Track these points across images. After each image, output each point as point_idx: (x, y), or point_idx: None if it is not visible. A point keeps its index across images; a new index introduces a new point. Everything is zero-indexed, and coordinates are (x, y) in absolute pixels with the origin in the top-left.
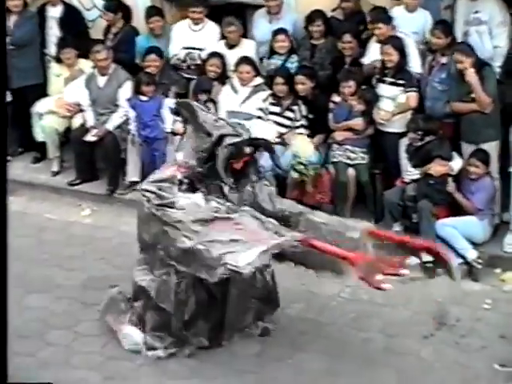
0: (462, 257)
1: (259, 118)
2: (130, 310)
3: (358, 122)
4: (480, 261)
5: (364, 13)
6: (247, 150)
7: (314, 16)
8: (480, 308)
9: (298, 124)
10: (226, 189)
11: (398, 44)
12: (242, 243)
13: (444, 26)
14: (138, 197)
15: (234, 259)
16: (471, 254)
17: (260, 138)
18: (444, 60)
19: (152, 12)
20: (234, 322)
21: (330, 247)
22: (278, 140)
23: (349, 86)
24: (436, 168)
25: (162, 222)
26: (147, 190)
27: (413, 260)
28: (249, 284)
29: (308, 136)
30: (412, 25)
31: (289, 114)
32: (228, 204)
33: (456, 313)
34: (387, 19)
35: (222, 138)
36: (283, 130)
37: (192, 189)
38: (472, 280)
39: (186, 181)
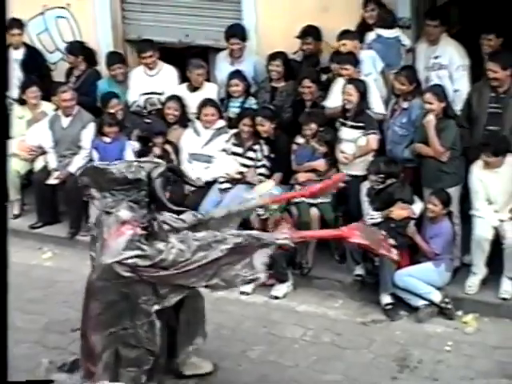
0: (428, 300)
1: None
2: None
3: (320, 164)
4: (448, 300)
5: (319, 55)
6: (172, 177)
7: (275, 56)
8: (442, 350)
9: (259, 164)
10: (171, 222)
11: (360, 86)
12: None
13: (409, 72)
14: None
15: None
16: (436, 296)
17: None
18: (405, 105)
19: (113, 59)
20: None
21: (319, 232)
22: (239, 177)
23: (310, 129)
24: (397, 212)
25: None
26: (125, 259)
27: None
28: (193, 309)
29: (266, 176)
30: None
31: (250, 154)
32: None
33: (418, 355)
34: (355, 62)
35: (149, 175)
36: (245, 169)
37: (154, 237)
38: (447, 319)
39: (144, 233)
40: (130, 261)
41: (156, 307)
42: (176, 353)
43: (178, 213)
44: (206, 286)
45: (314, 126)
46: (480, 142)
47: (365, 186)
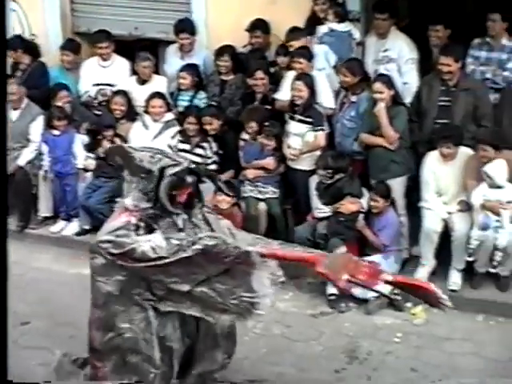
0: (377, 292)
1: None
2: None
3: (269, 162)
4: (397, 292)
5: (268, 48)
6: (189, 179)
7: (222, 51)
8: (391, 342)
9: (209, 161)
10: (179, 222)
11: (309, 81)
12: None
13: (351, 64)
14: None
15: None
16: (385, 287)
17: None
18: (354, 98)
19: (65, 46)
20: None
21: (290, 253)
22: None
23: (251, 127)
24: (347, 206)
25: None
26: (103, 242)
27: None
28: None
29: (219, 172)
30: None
31: (199, 150)
32: (189, 238)
33: (367, 347)
34: (309, 56)
35: (162, 171)
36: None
37: (149, 231)
38: (396, 310)
39: (141, 224)
40: (104, 245)
41: (151, 304)
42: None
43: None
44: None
45: (254, 124)
46: (431, 136)
47: (314, 180)
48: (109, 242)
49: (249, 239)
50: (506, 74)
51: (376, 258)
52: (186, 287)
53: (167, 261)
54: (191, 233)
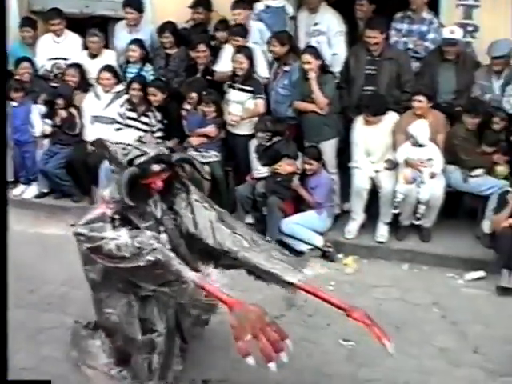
0: (311, 244)
1: (117, 123)
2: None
3: (211, 130)
4: (329, 245)
5: (208, 24)
6: (155, 167)
7: (164, 27)
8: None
9: (154, 129)
10: (158, 214)
11: (248, 53)
12: None
13: (280, 35)
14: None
15: None
16: (318, 240)
17: (174, 152)
18: (286, 68)
19: (25, 23)
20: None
21: (214, 290)
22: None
23: (191, 98)
24: (284, 167)
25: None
26: (78, 234)
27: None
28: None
29: (164, 139)
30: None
31: (144, 119)
32: (150, 242)
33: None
34: (244, 33)
35: (131, 162)
36: (142, 133)
37: (125, 223)
38: (329, 261)
39: (117, 216)
40: (79, 237)
41: (132, 289)
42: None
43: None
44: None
45: (194, 95)
46: (359, 102)
47: (253, 144)
48: (82, 235)
49: (225, 238)
50: (426, 44)
51: (310, 213)
52: (150, 286)
53: (124, 265)
54: (169, 223)
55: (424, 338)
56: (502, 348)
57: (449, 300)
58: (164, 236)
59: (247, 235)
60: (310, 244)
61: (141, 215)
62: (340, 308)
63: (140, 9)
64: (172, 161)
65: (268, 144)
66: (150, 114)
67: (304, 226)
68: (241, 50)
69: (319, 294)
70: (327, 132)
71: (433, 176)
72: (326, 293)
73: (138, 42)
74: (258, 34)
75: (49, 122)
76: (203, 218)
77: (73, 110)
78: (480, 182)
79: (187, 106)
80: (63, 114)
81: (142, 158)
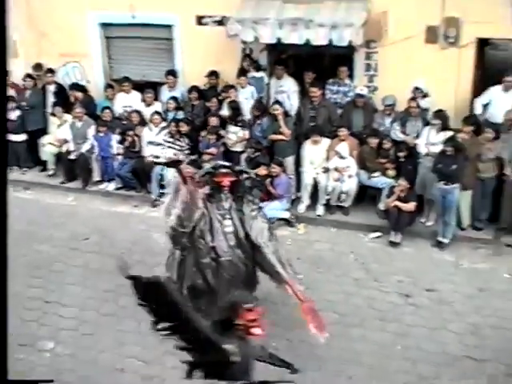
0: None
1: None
2: None
3: (212, 150)
4: (292, 217)
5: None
6: (222, 169)
7: (192, 89)
8: (288, 244)
9: (184, 148)
10: (227, 206)
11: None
12: None
13: (258, 105)
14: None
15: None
16: (285, 214)
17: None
18: (259, 121)
19: (107, 86)
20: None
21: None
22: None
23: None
24: (261, 171)
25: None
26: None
27: None
28: (235, 271)
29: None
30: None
31: (178, 142)
32: (226, 222)
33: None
34: (235, 91)
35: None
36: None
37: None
38: (290, 227)
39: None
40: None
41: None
42: None
43: None
44: None
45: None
46: (306, 132)
47: (243, 157)
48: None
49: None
50: (347, 99)
51: (276, 202)
52: None
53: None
54: (235, 215)
55: (345, 272)
56: (391, 277)
57: (360, 250)
58: (229, 222)
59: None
60: (280, 218)
61: (217, 207)
62: (302, 300)
63: (176, 76)
64: (235, 169)
65: (252, 157)
66: (181, 139)
67: (274, 208)
68: (233, 102)
69: (296, 292)
70: (289, 152)
71: (350, 176)
72: (298, 292)
73: (174, 98)
74: (250, 93)
75: (121, 146)
76: (259, 225)
77: (135, 138)
78: (378, 180)
79: (202, 134)
80: (130, 140)
81: (215, 164)
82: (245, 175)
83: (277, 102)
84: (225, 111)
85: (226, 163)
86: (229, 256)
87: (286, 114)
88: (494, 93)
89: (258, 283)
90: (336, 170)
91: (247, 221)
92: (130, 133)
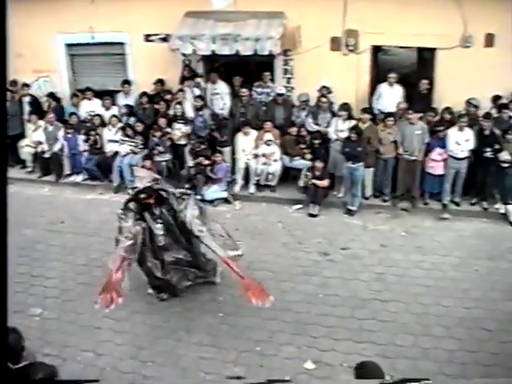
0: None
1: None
2: None
3: (160, 148)
4: (228, 195)
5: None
6: (141, 196)
7: (142, 94)
8: (226, 218)
9: (139, 143)
10: (157, 212)
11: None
12: None
13: (199, 96)
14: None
15: None
16: (224, 194)
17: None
18: (201, 112)
19: (73, 95)
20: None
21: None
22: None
23: (154, 131)
24: (203, 161)
25: None
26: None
27: None
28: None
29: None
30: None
31: (133, 140)
32: (157, 225)
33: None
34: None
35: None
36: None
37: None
38: (229, 204)
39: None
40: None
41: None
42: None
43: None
44: None
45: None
46: (238, 126)
47: (187, 149)
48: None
49: (194, 225)
50: (270, 98)
51: (215, 186)
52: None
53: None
54: (166, 217)
55: (274, 238)
56: (312, 240)
57: (286, 219)
58: (159, 226)
59: (207, 225)
60: (220, 198)
61: (150, 213)
62: (241, 277)
63: (130, 84)
64: (152, 191)
65: (196, 149)
66: (135, 137)
67: (215, 191)
68: (179, 103)
69: (233, 268)
70: (226, 143)
71: (275, 160)
72: (237, 270)
73: (127, 105)
74: (191, 95)
75: (86, 144)
76: (190, 214)
77: (97, 137)
78: (298, 162)
79: (154, 133)
80: (93, 139)
81: (134, 191)
82: (163, 193)
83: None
84: (171, 111)
85: (145, 186)
86: (169, 251)
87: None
88: (383, 88)
89: (205, 261)
90: (264, 155)
91: (180, 215)
92: (93, 133)
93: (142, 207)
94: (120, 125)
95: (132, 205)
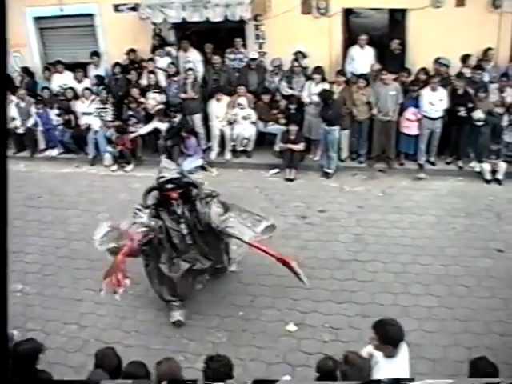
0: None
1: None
2: None
3: (134, 120)
4: (205, 163)
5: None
6: (168, 186)
7: (115, 64)
8: (205, 179)
9: (111, 114)
10: (179, 211)
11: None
12: None
13: (171, 63)
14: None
15: None
16: (199, 162)
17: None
18: (176, 78)
19: (44, 69)
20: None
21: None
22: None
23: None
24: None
25: None
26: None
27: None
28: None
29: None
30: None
31: (104, 111)
32: (181, 226)
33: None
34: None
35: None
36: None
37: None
38: (205, 171)
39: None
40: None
41: None
42: None
43: None
44: None
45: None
46: (211, 92)
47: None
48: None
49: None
50: (243, 64)
51: (190, 158)
52: None
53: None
54: (189, 217)
55: (252, 203)
56: (290, 204)
57: (263, 184)
58: (183, 226)
59: (234, 216)
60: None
61: (169, 212)
62: (275, 257)
63: (99, 56)
64: (181, 182)
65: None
66: (107, 107)
67: (192, 161)
68: (151, 72)
69: (263, 249)
70: (197, 110)
71: (253, 123)
72: (268, 249)
73: (98, 76)
74: (165, 63)
75: (59, 118)
76: (214, 212)
77: (71, 116)
78: (272, 128)
79: (128, 104)
80: (66, 118)
81: (161, 180)
82: (193, 189)
83: (189, 69)
84: (144, 81)
85: (174, 176)
86: (187, 253)
87: (194, 79)
88: (354, 51)
89: (224, 256)
90: (240, 117)
91: (203, 217)
92: (66, 117)
93: (162, 201)
94: (93, 97)
95: (151, 198)
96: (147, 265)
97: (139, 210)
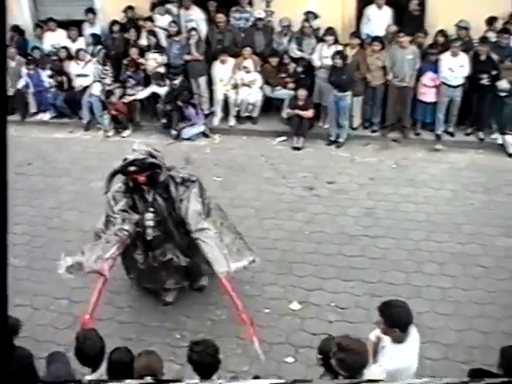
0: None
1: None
2: None
3: (132, 81)
4: (207, 130)
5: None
6: (130, 168)
7: (113, 22)
8: (205, 152)
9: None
10: (149, 198)
11: (154, 34)
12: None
13: (173, 22)
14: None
15: None
16: (201, 128)
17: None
18: (177, 38)
19: (35, 26)
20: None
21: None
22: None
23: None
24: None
25: None
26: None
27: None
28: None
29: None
30: None
31: (104, 71)
32: (148, 214)
33: (198, 155)
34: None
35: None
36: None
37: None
38: (207, 138)
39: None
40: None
41: None
42: None
43: None
44: None
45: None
46: (215, 53)
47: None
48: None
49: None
50: (249, 24)
51: (189, 127)
52: None
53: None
54: (160, 205)
55: (257, 173)
56: (297, 174)
57: (268, 153)
58: (150, 215)
59: (216, 225)
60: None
61: (140, 197)
62: (237, 308)
63: (94, 13)
64: (144, 164)
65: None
66: (107, 69)
67: (192, 128)
68: (150, 32)
69: (229, 292)
70: (201, 72)
71: (260, 88)
72: (235, 296)
73: (94, 35)
74: (166, 22)
75: (52, 80)
76: (192, 207)
77: (64, 78)
78: (280, 93)
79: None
80: (59, 79)
81: (124, 162)
82: (159, 172)
83: (192, 29)
84: (143, 40)
85: (138, 157)
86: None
87: (198, 39)
88: (371, 11)
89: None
90: (243, 84)
91: (180, 209)
92: (59, 79)
93: (131, 187)
94: (88, 58)
95: (120, 185)
96: (124, 258)
97: (112, 216)
